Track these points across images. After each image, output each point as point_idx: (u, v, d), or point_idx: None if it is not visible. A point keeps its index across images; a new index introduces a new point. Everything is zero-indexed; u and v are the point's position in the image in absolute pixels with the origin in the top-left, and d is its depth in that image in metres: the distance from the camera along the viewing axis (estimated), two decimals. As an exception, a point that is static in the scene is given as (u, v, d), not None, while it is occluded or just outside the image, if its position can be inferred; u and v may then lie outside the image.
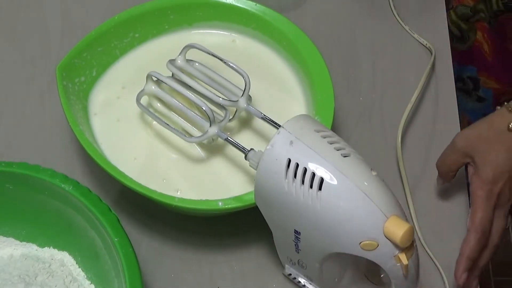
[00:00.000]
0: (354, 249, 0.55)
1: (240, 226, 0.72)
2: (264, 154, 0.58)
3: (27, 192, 0.64)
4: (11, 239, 0.67)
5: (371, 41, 0.85)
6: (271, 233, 0.62)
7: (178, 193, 0.67)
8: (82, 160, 0.74)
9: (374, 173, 0.56)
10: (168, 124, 0.68)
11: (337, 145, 0.56)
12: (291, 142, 0.56)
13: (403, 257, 0.54)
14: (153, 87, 0.69)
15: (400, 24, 0.86)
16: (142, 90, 0.69)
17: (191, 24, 0.77)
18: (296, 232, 0.58)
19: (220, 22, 0.77)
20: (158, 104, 0.71)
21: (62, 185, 0.62)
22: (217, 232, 0.72)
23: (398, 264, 0.55)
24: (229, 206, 0.63)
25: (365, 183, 0.54)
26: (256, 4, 0.75)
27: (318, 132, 0.57)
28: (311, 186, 0.55)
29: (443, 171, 0.71)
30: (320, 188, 0.55)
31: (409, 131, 0.79)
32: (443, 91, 0.82)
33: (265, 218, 0.61)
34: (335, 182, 0.54)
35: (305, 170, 0.55)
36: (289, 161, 0.56)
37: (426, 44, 0.84)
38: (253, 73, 0.70)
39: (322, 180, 0.55)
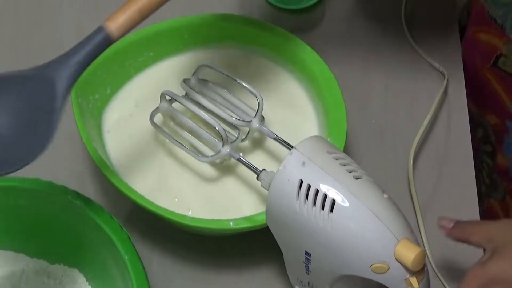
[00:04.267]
0: (365, 271, 0.55)
1: (251, 246, 0.72)
2: (276, 174, 0.58)
3: (39, 208, 0.64)
4: (22, 255, 0.67)
5: (384, 64, 0.85)
6: (281, 254, 0.62)
7: (190, 212, 0.67)
8: (94, 177, 0.75)
9: (385, 195, 0.56)
10: (180, 143, 0.68)
11: (349, 167, 0.56)
12: (303, 163, 0.56)
13: (414, 281, 0.54)
14: (166, 106, 0.69)
15: (413, 47, 0.86)
16: (156, 109, 0.70)
17: (205, 43, 0.77)
18: (306, 253, 0.58)
19: (234, 42, 0.77)
20: (172, 123, 0.71)
21: (74, 202, 0.62)
22: (228, 252, 0.72)
23: None
24: (240, 226, 0.63)
25: (377, 205, 0.54)
26: (270, 25, 0.75)
27: (330, 153, 0.57)
28: (322, 208, 0.55)
29: (458, 235, 0.62)
30: (331, 210, 0.55)
31: (421, 154, 0.79)
32: (455, 115, 0.82)
33: (276, 238, 0.61)
34: (347, 204, 0.54)
35: (317, 191, 0.55)
36: (301, 182, 0.56)
37: (439, 68, 0.84)
38: (266, 93, 0.70)
39: (334, 202, 0.55)
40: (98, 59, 0.71)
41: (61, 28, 0.87)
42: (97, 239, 0.62)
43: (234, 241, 0.72)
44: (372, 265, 0.54)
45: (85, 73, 0.69)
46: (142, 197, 0.64)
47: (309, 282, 0.63)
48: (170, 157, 0.71)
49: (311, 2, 0.87)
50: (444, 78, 0.83)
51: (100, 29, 0.54)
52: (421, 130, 0.78)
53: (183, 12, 0.77)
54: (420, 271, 0.55)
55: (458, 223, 0.61)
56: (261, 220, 0.62)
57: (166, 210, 0.63)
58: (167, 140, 0.71)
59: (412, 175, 0.76)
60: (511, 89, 0.85)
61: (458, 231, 0.60)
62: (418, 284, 0.54)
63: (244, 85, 0.69)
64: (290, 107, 0.75)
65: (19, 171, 0.65)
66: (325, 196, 0.55)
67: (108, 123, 0.72)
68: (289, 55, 0.75)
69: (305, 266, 0.60)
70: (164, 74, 0.76)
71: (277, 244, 0.61)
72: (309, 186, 0.56)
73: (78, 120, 0.67)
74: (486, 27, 0.84)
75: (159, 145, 0.72)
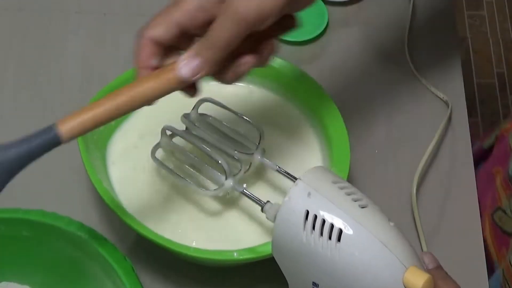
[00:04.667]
0: None
1: (255, 277, 0.72)
2: (282, 206, 0.58)
3: (43, 240, 0.64)
4: (26, 287, 0.67)
5: (387, 94, 0.86)
6: (285, 284, 0.62)
7: (194, 243, 0.67)
8: (98, 208, 0.74)
9: (391, 223, 0.56)
10: (183, 178, 0.68)
11: (354, 196, 0.56)
12: (309, 194, 0.56)
13: None
14: (167, 141, 0.69)
15: (416, 76, 0.87)
16: (157, 144, 0.69)
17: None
18: (314, 284, 0.58)
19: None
20: (173, 158, 0.71)
21: (78, 233, 0.62)
22: (231, 283, 0.72)
23: None
24: (244, 257, 0.63)
25: (384, 234, 0.54)
26: (273, 57, 0.75)
27: (335, 183, 0.57)
28: (329, 238, 0.55)
29: None
30: (339, 240, 0.54)
31: (424, 183, 0.79)
32: (458, 143, 0.82)
33: (282, 269, 0.60)
34: (353, 233, 0.54)
35: (324, 221, 0.55)
36: (307, 212, 0.56)
37: (443, 97, 0.84)
38: (270, 124, 0.71)
39: (340, 231, 0.54)
40: (102, 91, 0.72)
41: (67, 60, 0.87)
42: (101, 270, 0.62)
43: (238, 273, 0.72)
44: (381, 294, 0.54)
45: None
46: (147, 229, 0.64)
47: (316, 313, 0.62)
48: (174, 189, 0.71)
49: (314, 34, 0.87)
50: (448, 107, 0.83)
51: (50, 128, 0.52)
52: (424, 159, 0.78)
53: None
54: None
55: (436, 270, 0.58)
56: (265, 251, 0.62)
57: (170, 241, 0.63)
58: (156, 153, 0.70)
59: (415, 204, 0.76)
60: (500, 246, 0.82)
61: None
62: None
63: (245, 118, 0.69)
64: (294, 138, 0.75)
65: (23, 202, 0.66)
66: (332, 226, 0.55)
67: (113, 154, 0.72)
68: (292, 87, 0.75)
69: (314, 298, 0.60)
70: (168, 105, 0.76)
71: (281, 275, 0.61)
72: (315, 217, 0.55)
73: (82, 151, 0.67)
74: (502, 167, 0.83)
75: (163, 177, 0.72)
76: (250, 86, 0.77)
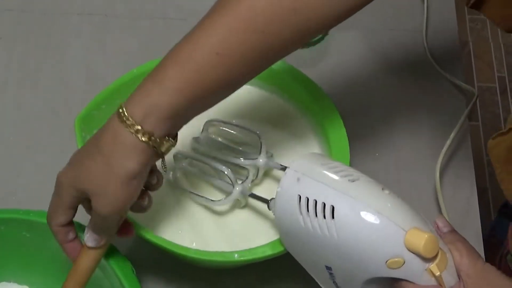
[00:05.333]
0: (382, 270, 0.54)
1: (255, 278, 0.72)
2: (276, 197, 0.59)
3: (43, 240, 0.65)
4: (25, 287, 0.68)
5: (384, 94, 0.87)
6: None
7: (194, 245, 0.68)
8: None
9: (386, 191, 0.56)
10: (196, 194, 0.69)
11: (343, 173, 0.57)
12: (298, 179, 0.58)
13: (435, 269, 0.53)
14: (180, 164, 0.71)
15: (439, 71, 0.87)
16: (175, 170, 0.71)
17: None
18: (327, 268, 0.58)
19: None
20: (186, 178, 0.72)
21: (77, 234, 0.62)
22: (231, 284, 0.72)
23: (433, 278, 0.54)
24: (245, 258, 0.63)
25: (378, 202, 0.54)
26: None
27: (323, 164, 0.58)
28: (324, 217, 0.55)
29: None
30: (333, 217, 0.55)
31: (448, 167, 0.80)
32: (461, 161, 0.82)
33: (300, 263, 0.61)
34: (346, 207, 0.54)
35: (316, 202, 0.56)
36: (300, 197, 0.57)
37: (469, 88, 0.86)
38: (270, 124, 0.70)
39: (333, 208, 0.55)
40: (101, 94, 0.72)
41: (69, 63, 0.88)
42: (101, 272, 0.63)
43: (238, 273, 0.72)
44: (387, 261, 0.53)
45: (89, 108, 0.71)
46: (146, 230, 0.64)
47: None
48: (173, 191, 0.71)
49: (316, 37, 0.87)
50: (475, 94, 0.85)
51: None
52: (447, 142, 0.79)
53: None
54: (441, 258, 0.54)
55: (451, 233, 0.58)
56: (265, 252, 0.62)
57: (170, 242, 0.63)
58: (170, 174, 0.71)
59: (441, 198, 0.77)
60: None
61: (446, 242, 0.58)
62: (440, 271, 0.53)
63: (244, 126, 0.70)
64: (294, 138, 0.75)
65: (24, 203, 0.66)
66: (324, 204, 0.55)
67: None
68: (292, 89, 0.76)
69: (333, 282, 0.59)
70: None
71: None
72: (307, 199, 0.56)
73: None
74: None
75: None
76: (249, 86, 0.77)
